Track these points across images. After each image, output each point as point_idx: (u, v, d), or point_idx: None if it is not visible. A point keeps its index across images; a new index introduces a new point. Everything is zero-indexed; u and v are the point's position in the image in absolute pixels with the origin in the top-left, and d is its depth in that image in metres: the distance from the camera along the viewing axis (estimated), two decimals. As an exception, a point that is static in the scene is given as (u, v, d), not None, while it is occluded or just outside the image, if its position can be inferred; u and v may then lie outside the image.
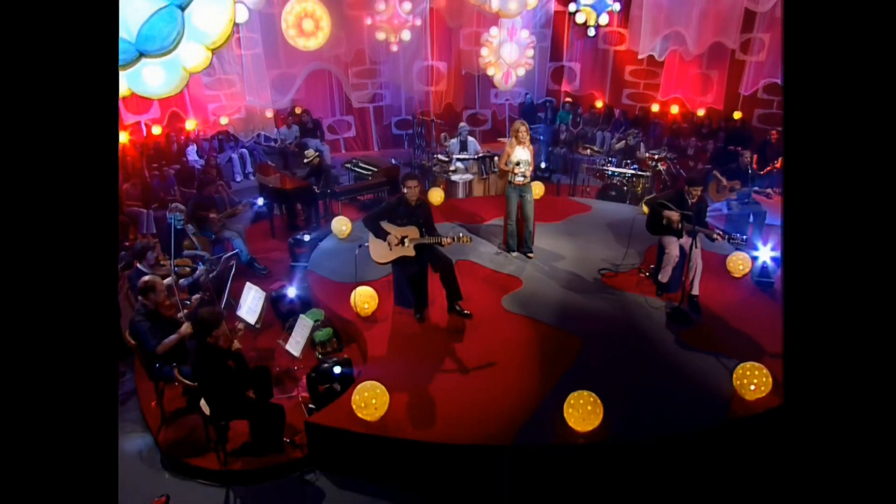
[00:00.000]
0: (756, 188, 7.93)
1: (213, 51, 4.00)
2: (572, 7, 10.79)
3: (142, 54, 3.68)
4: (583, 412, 4.09)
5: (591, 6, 10.56)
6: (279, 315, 6.07)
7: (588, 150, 9.94)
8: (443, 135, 10.39)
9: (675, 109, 11.67)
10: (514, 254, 7.16)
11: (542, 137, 11.36)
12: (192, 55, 3.90)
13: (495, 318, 5.80)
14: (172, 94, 4.05)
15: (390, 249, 5.50)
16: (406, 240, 5.49)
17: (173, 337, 4.65)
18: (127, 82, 3.85)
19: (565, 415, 4.16)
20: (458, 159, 9.69)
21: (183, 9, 3.74)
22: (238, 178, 10.64)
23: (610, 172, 9.38)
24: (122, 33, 3.56)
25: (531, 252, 7.12)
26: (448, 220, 8.21)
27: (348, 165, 9.84)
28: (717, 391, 4.61)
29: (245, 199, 8.86)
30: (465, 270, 6.48)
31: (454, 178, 9.50)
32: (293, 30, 9.70)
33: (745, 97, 10.98)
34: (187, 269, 5.63)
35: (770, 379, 4.41)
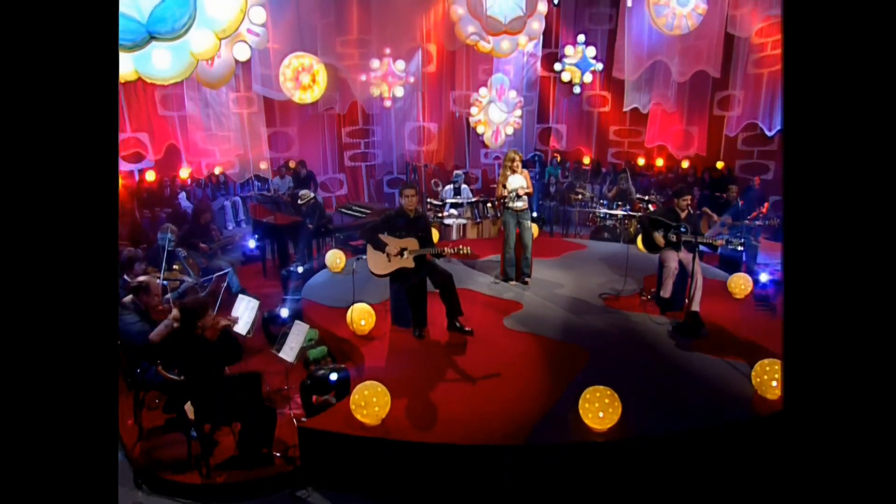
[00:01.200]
0: (746, 221, 8.00)
1: (222, 39, 4.06)
2: (558, 66, 11.35)
3: (152, 36, 3.71)
4: (600, 405, 3.83)
5: (576, 65, 11.14)
6: (269, 337, 5.78)
7: (580, 195, 10.09)
8: (433, 181, 10.54)
9: (660, 162, 12.04)
10: (513, 282, 7.02)
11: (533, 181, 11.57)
12: (201, 41, 3.94)
13: (498, 335, 5.58)
14: (179, 80, 4.05)
15: (389, 261, 5.35)
16: (405, 251, 5.36)
17: (165, 324, 4.35)
18: (134, 64, 3.85)
19: (581, 410, 3.89)
20: (452, 204, 9.79)
21: (194, -4, 3.83)
22: (230, 226, 10.56)
23: (602, 214, 9.48)
24: (134, 13, 3.60)
25: (528, 277, 7.01)
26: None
27: (343, 210, 9.86)
28: (738, 391, 4.38)
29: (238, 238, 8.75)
30: (463, 297, 6.24)
31: (448, 221, 9.53)
32: (290, 83, 10.00)
33: (726, 149, 11.43)
34: (177, 282, 5.41)
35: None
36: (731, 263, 7.54)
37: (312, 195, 8.77)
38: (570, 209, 10.65)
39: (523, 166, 6.87)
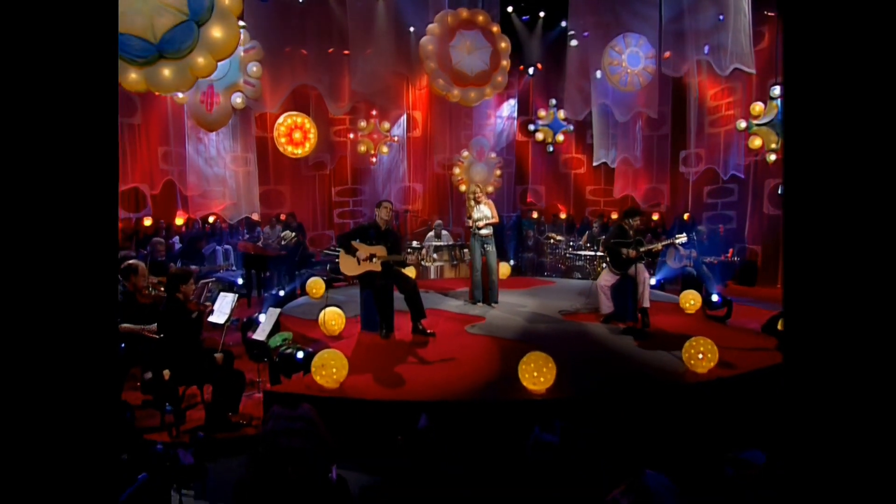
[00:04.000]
0: (708, 257, 8.53)
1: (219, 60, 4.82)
2: (531, 127, 12.38)
3: (161, 55, 4.48)
4: (535, 366, 4.21)
5: (549, 126, 12.16)
6: (247, 343, 6.15)
7: (551, 240, 10.72)
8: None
9: (630, 216, 12.78)
10: (480, 304, 7.47)
11: (510, 235, 12.22)
12: (201, 61, 4.71)
13: (459, 338, 5.98)
14: (179, 90, 4.76)
15: (359, 264, 5.87)
16: (374, 257, 5.89)
17: (136, 327, 4.74)
18: (144, 77, 4.59)
19: (519, 372, 4.26)
20: (434, 247, 10.41)
21: (200, 25, 4.64)
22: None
23: (571, 256, 10.06)
24: (148, 35, 4.39)
25: (496, 303, 7.45)
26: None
27: (327, 251, 10.41)
28: (670, 367, 4.78)
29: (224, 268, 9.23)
30: (430, 314, 6.59)
31: (426, 263, 10.09)
32: (284, 138, 10.91)
33: (693, 202, 12.21)
34: (163, 287, 5.86)
35: (716, 349, 4.60)
36: (692, 287, 8.00)
37: (294, 235, 9.37)
38: (544, 261, 11.27)
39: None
